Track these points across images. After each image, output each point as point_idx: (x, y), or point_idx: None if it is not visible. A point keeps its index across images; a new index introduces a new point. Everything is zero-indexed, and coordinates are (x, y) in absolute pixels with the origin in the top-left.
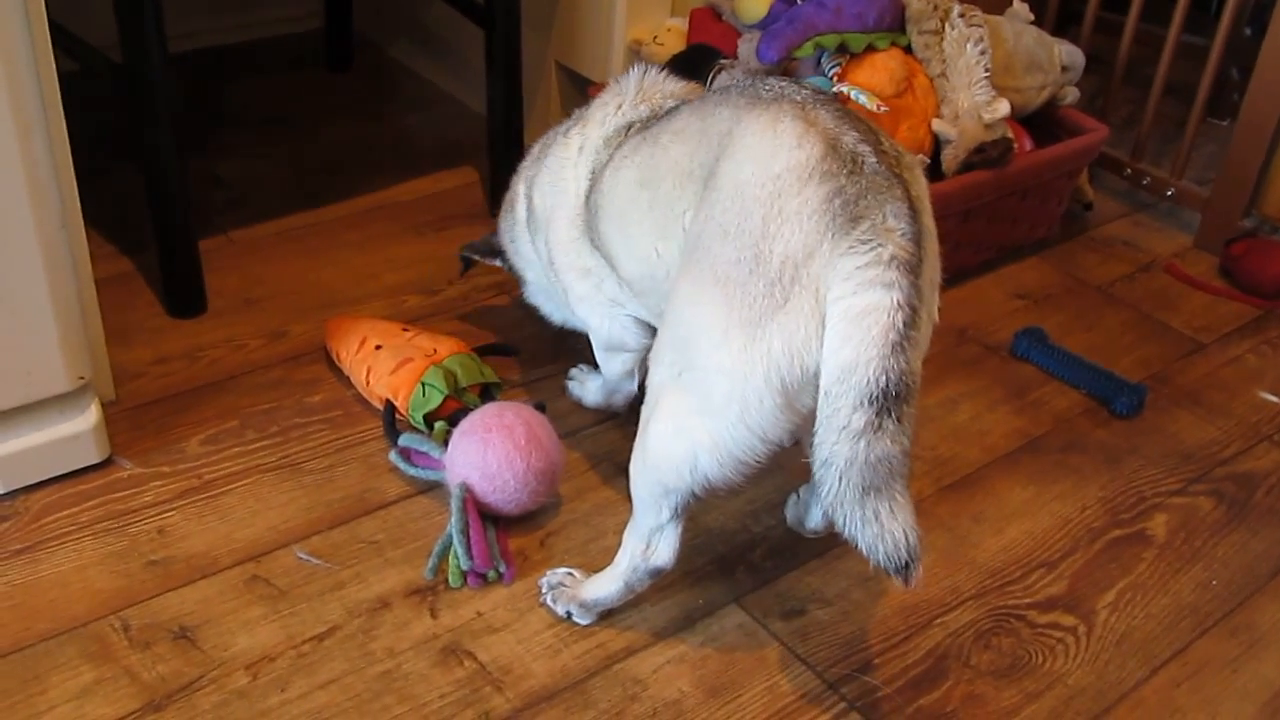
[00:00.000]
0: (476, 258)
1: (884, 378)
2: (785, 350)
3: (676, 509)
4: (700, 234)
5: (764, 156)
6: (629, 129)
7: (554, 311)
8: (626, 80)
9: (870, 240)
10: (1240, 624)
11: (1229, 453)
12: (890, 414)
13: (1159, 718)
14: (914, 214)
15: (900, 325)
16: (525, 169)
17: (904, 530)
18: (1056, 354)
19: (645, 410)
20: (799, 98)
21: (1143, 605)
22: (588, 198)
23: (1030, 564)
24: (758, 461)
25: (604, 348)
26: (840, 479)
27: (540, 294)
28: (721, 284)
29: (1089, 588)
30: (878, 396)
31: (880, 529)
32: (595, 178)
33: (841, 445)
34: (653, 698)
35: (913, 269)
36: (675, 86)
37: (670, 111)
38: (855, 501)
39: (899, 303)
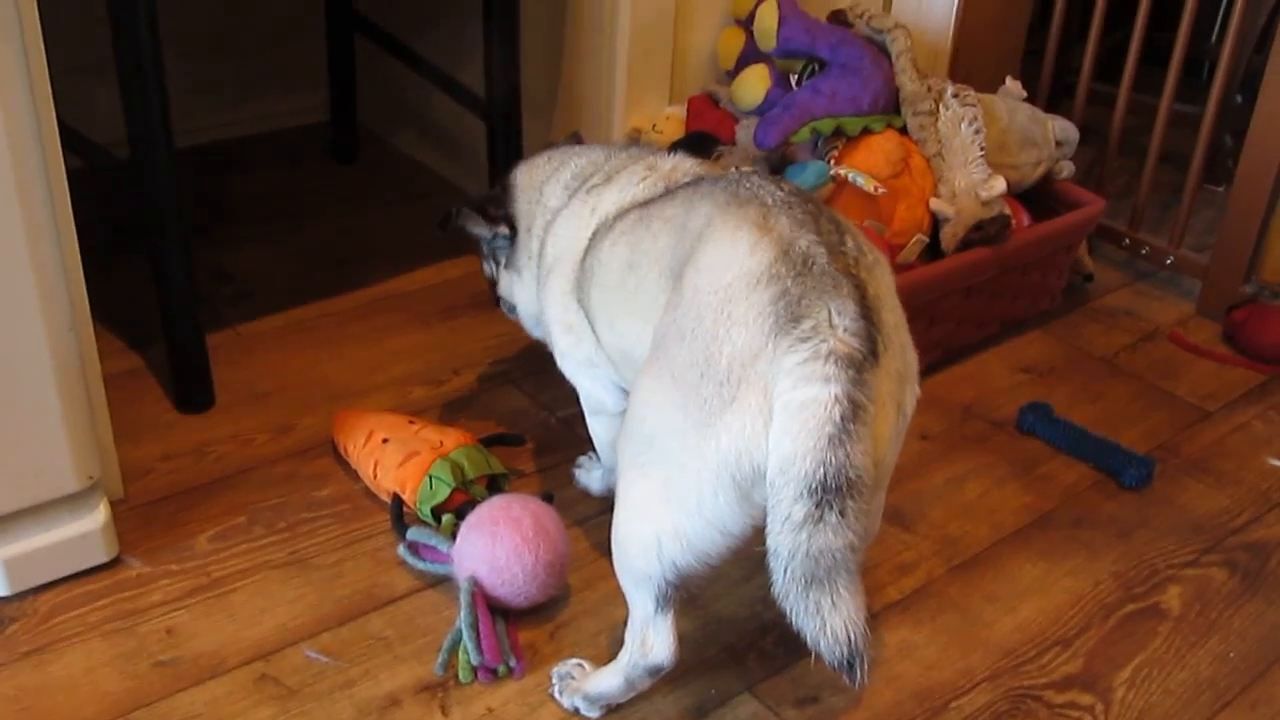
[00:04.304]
0: (472, 226)
1: (821, 470)
2: (733, 447)
3: (658, 599)
4: (664, 334)
5: (719, 266)
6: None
7: (533, 329)
8: (663, 159)
9: (810, 337)
10: (1260, 697)
11: (1240, 521)
12: (831, 507)
13: None
14: (866, 311)
15: (838, 418)
16: (549, 188)
17: (845, 624)
18: (1063, 428)
19: (616, 499)
20: (770, 201)
21: (1160, 681)
22: (583, 258)
23: (1045, 642)
24: (721, 553)
25: (586, 408)
26: (784, 570)
27: (528, 319)
28: (678, 385)
29: (1105, 665)
30: (816, 488)
31: (822, 622)
32: (595, 241)
33: (784, 536)
34: None
35: (855, 364)
36: (700, 169)
37: (669, 194)
38: (799, 594)
39: (837, 396)
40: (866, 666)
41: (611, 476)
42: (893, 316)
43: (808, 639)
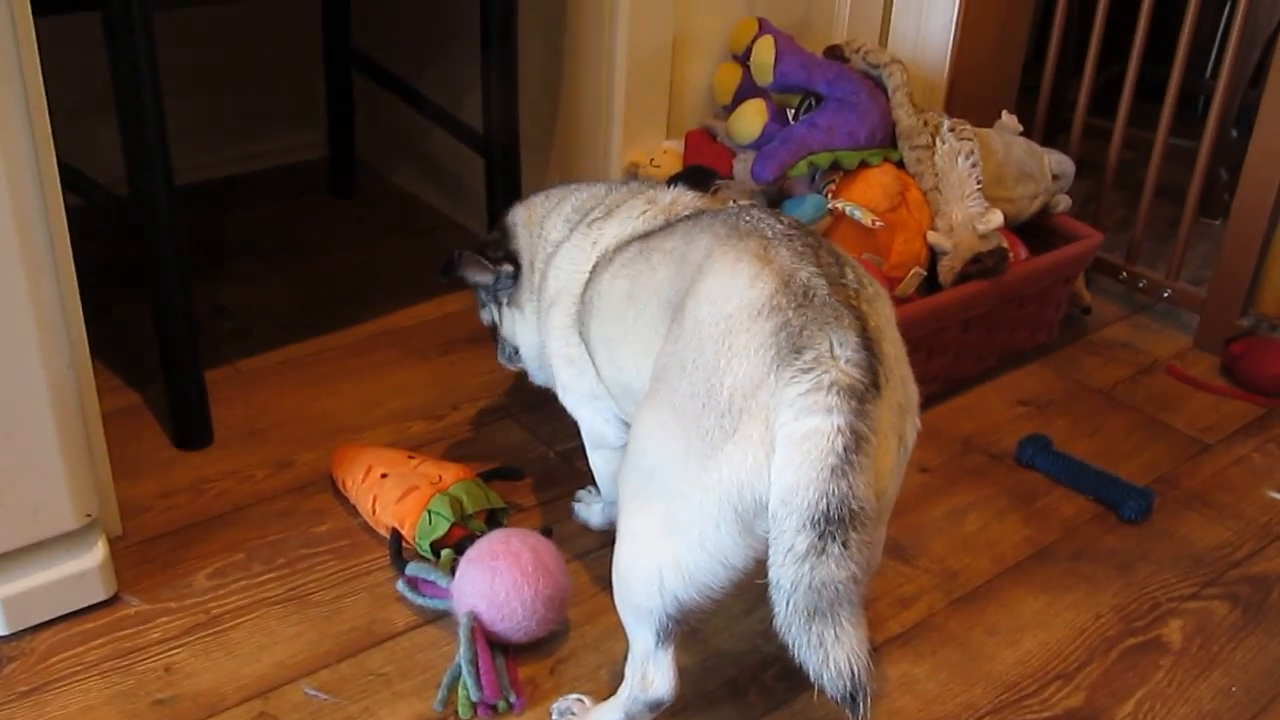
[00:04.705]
0: (474, 273)
1: (824, 501)
2: (734, 478)
3: (659, 633)
4: (665, 366)
5: (720, 297)
6: (642, 236)
7: (537, 373)
8: (663, 193)
9: (812, 368)
10: None
11: (1241, 554)
12: (834, 538)
13: None
14: (867, 342)
15: (840, 449)
16: (549, 223)
17: (848, 657)
18: (1062, 460)
19: (617, 532)
20: (770, 234)
21: (1163, 715)
22: (583, 291)
23: (1046, 676)
24: (723, 586)
25: (588, 441)
26: (787, 602)
27: (531, 361)
28: (679, 417)
29: (1107, 699)
30: (819, 520)
31: (824, 655)
32: (595, 274)
33: (786, 568)
34: None
35: (858, 395)
36: (699, 203)
37: (668, 227)
38: (802, 626)
39: (839, 427)
40: (870, 700)
41: (611, 510)
42: (894, 349)
43: (810, 672)
